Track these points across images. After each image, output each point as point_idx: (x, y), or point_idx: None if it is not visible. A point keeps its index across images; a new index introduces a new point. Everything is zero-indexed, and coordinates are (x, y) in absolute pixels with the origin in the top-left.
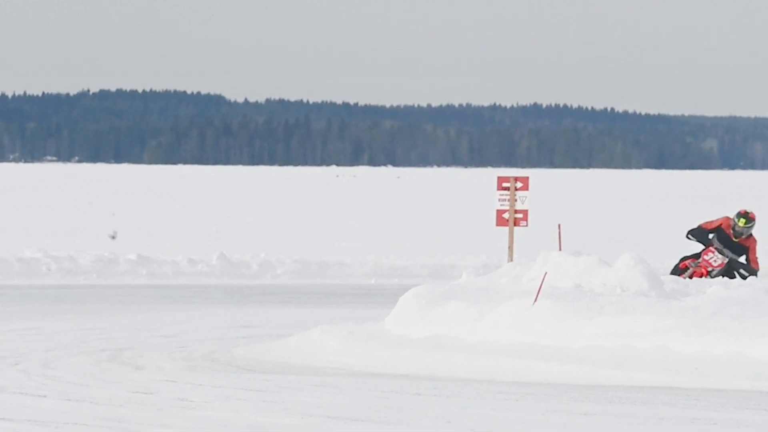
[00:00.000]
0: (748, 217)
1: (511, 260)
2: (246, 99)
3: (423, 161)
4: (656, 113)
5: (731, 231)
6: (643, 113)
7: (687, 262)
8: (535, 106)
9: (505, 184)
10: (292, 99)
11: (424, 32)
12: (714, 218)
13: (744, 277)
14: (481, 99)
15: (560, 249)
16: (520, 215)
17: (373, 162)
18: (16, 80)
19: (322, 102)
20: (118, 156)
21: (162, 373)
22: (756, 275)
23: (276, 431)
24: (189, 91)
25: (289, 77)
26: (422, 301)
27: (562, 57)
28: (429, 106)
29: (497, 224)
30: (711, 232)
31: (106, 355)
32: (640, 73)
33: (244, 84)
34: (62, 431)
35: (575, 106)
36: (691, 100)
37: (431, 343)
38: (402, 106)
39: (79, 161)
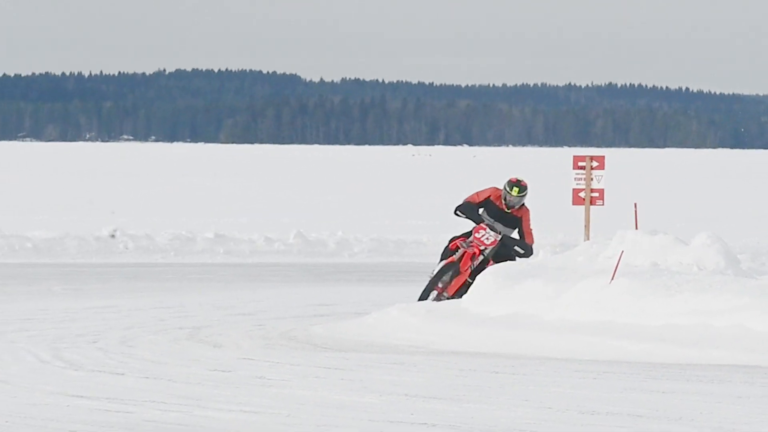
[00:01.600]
0: (520, 186)
1: (588, 239)
2: (322, 78)
3: (498, 140)
4: (731, 93)
5: (502, 202)
6: (717, 93)
7: (457, 241)
8: (610, 86)
9: (581, 164)
10: (368, 78)
11: (500, 11)
12: (481, 189)
13: (520, 255)
14: (557, 78)
15: (636, 228)
16: (596, 194)
17: (448, 141)
18: (92, 60)
19: (398, 81)
20: (194, 135)
21: (240, 351)
22: (532, 251)
23: (353, 409)
24: (265, 71)
25: (365, 56)
26: (500, 280)
27: (637, 36)
28: (504, 85)
29: (573, 203)
30: (480, 206)
31: (184, 333)
32: (715, 52)
33: (319, 63)
34: (140, 409)
35: (650, 85)
36: (766, 80)
37: (509, 321)
38: (477, 86)
39: (156, 140)
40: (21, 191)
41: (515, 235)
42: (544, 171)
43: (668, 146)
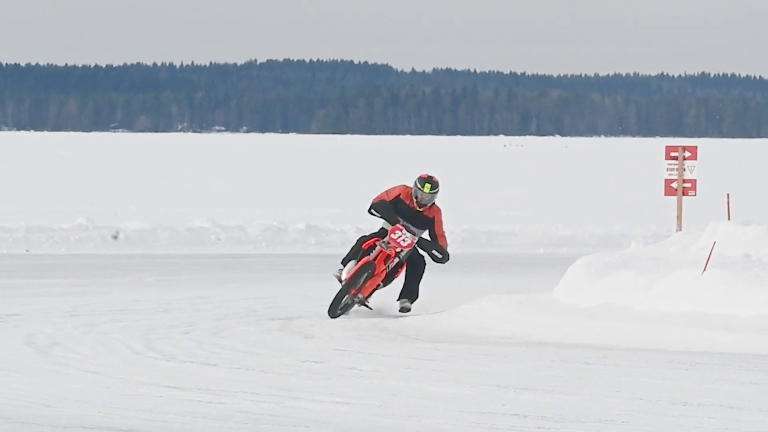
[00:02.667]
0: (432, 182)
1: (680, 230)
2: (413, 68)
3: (590, 131)
4: None
5: (413, 200)
6: None
7: (370, 242)
8: (703, 76)
9: (673, 154)
10: (460, 68)
11: (592, 1)
12: (390, 188)
13: (438, 260)
14: (649, 68)
15: (729, 218)
16: (688, 185)
17: (540, 131)
18: (184, 51)
19: (490, 71)
20: (285, 126)
21: (332, 342)
22: (448, 256)
23: (445, 400)
24: (357, 61)
25: (457, 46)
26: (591, 270)
27: (730, 26)
28: (596, 75)
29: (666, 194)
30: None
31: (276, 324)
32: None
33: (411, 53)
34: (232, 400)
35: (743, 75)
36: None
37: (600, 312)
38: (569, 76)
39: (247, 131)
40: (113, 182)
41: (426, 235)
42: (637, 161)
43: (761, 136)
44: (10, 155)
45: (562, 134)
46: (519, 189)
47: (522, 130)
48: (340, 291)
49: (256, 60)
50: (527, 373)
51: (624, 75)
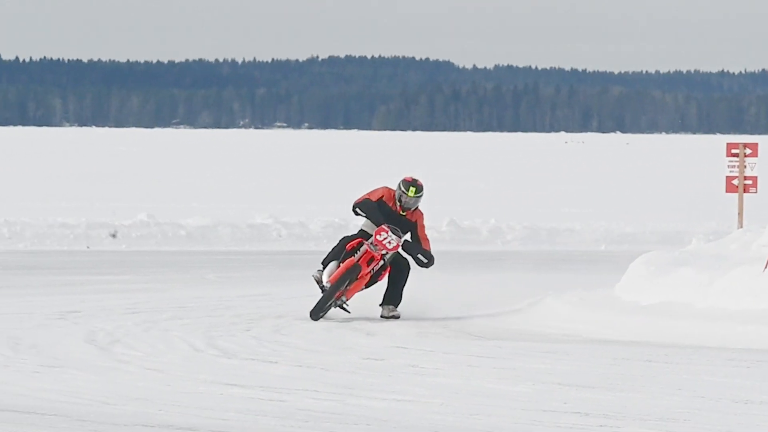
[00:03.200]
0: (417, 185)
1: (741, 227)
2: (474, 65)
3: (651, 127)
4: None
5: (396, 203)
6: None
7: (354, 243)
8: (764, 73)
9: (734, 151)
10: (521, 65)
11: None
12: (373, 189)
13: (423, 264)
14: (709, 65)
15: None
16: (749, 182)
17: (601, 128)
18: (246, 47)
19: (551, 68)
20: (347, 122)
21: (393, 340)
22: (433, 260)
23: (507, 398)
24: (418, 57)
25: (518, 43)
26: (652, 268)
27: None
28: (657, 72)
29: (727, 191)
30: None
31: (337, 321)
32: None
33: (472, 50)
34: (293, 398)
35: None
36: None
37: (661, 309)
38: (630, 72)
39: (309, 127)
40: (174, 178)
41: (408, 238)
42: (697, 158)
43: None
44: (72, 151)
45: (623, 131)
46: (580, 186)
47: (583, 126)
48: (326, 294)
49: (317, 56)
50: (589, 370)
51: (684, 72)
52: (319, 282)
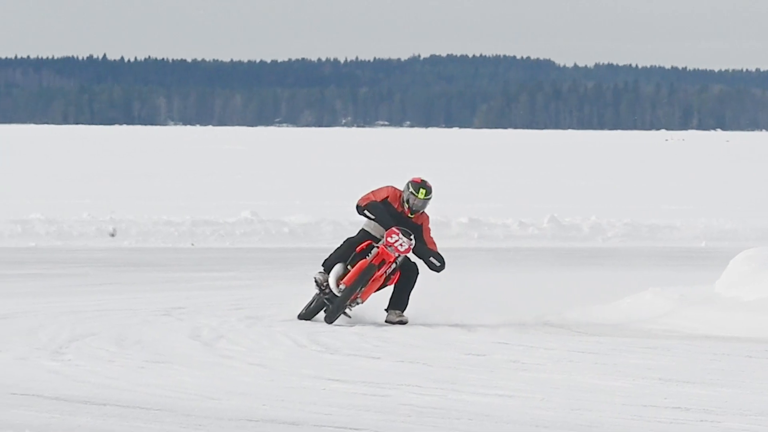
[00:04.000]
0: (427, 187)
1: None
2: (575, 63)
3: (752, 125)
4: None
5: (402, 205)
6: None
7: (364, 245)
8: None
9: None
10: (621, 63)
11: None
12: (376, 189)
13: (435, 268)
14: None
15: None
16: None
17: (702, 126)
18: (348, 46)
19: (651, 66)
20: (448, 120)
21: (494, 335)
22: (445, 264)
23: (607, 393)
24: (519, 56)
25: (618, 41)
26: (753, 264)
27: None
28: (758, 70)
29: None
30: None
31: (439, 316)
32: None
33: (573, 48)
34: (396, 393)
35: None
36: None
37: (762, 305)
38: (731, 70)
39: (411, 126)
40: (277, 177)
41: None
42: None
43: None
44: (177, 150)
45: (724, 129)
46: (680, 183)
47: (683, 124)
48: (341, 296)
49: (419, 55)
50: (689, 366)
51: None
52: (320, 285)
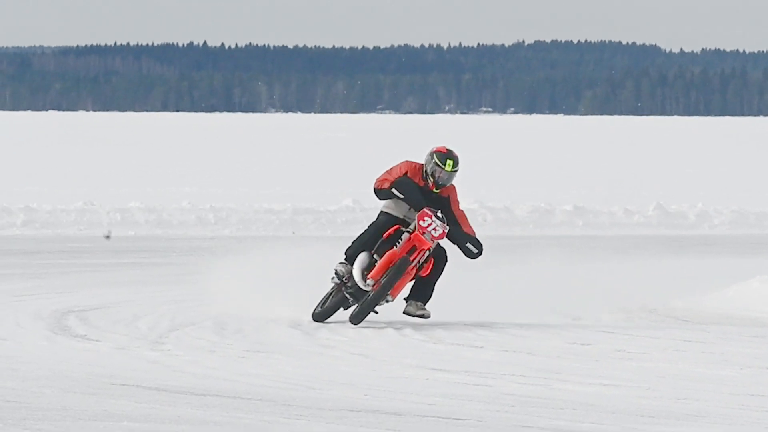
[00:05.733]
0: (454, 158)
1: None
2: (681, 49)
3: None
4: None
5: (429, 179)
6: None
7: (391, 230)
8: None
9: None
10: (728, 49)
11: None
12: (393, 166)
13: (472, 255)
14: None
15: None
16: None
17: None
18: (451, 32)
19: (759, 52)
20: (553, 107)
21: (600, 324)
22: (482, 249)
23: (714, 382)
24: (624, 42)
25: (726, 26)
26: None
27: None
28: None
29: None
30: None
31: (543, 305)
32: None
33: (680, 34)
34: (499, 382)
35: None
36: None
37: None
38: None
39: (515, 112)
40: (379, 164)
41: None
42: None
43: None
44: (278, 137)
45: None
46: None
47: None
48: (375, 294)
49: (523, 41)
50: None
51: None
52: (342, 277)
